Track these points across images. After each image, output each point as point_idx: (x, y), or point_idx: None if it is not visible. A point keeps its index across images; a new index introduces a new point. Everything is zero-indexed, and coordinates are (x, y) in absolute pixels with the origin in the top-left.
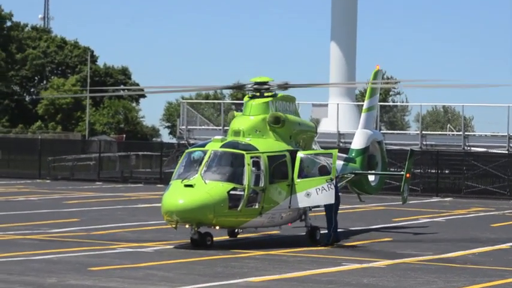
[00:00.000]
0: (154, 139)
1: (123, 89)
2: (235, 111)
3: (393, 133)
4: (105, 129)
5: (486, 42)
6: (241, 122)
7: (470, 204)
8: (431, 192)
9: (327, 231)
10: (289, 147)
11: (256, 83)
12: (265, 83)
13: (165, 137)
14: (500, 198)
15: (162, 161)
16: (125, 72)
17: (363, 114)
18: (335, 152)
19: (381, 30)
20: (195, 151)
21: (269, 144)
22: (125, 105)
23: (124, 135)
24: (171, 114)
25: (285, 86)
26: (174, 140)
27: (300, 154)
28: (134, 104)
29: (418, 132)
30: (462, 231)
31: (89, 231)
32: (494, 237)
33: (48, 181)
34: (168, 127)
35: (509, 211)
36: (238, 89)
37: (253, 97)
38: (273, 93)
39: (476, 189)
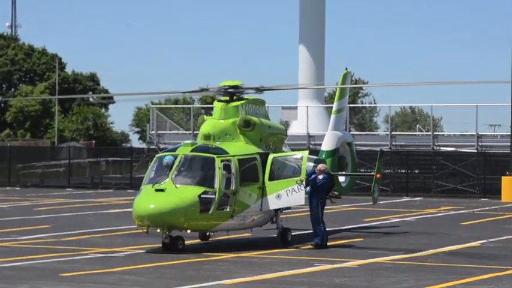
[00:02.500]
0: (124, 144)
1: (92, 96)
2: (205, 115)
3: (363, 134)
4: (75, 136)
5: (452, 42)
6: (211, 126)
7: (440, 203)
8: (402, 192)
9: (318, 235)
10: (260, 150)
11: (226, 87)
12: (235, 87)
13: (135, 142)
14: (470, 196)
15: (132, 167)
16: (93, 78)
17: (333, 116)
18: (305, 153)
19: (349, 33)
20: (165, 156)
21: (239, 148)
22: (93, 111)
23: (93, 142)
24: (141, 120)
25: (260, 90)
26: (143, 145)
27: (271, 156)
28: (103, 110)
29: (388, 132)
30: (433, 230)
31: (59, 238)
32: (464, 235)
33: (17, 188)
34: (137, 132)
35: (479, 209)
36: (207, 94)
37: (222, 101)
38: (243, 96)
39: (446, 188)
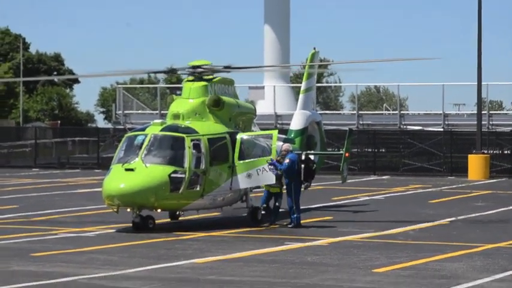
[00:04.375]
0: (89, 125)
1: (57, 76)
2: (174, 95)
3: (329, 113)
4: (40, 116)
5: (418, 20)
6: (181, 105)
7: (408, 182)
8: (369, 171)
9: (294, 214)
10: (229, 130)
11: (195, 66)
12: (203, 66)
13: (100, 122)
14: (437, 175)
15: (99, 146)
16: (57, 58)
17: (301, 96)
18: (275, 132)
19: (314, 12)
20: (135, 135)
21: (209, 127)
22: (58, 91)
23: (59, 122)
24: (106, 100)
25: (227, 69)
26: (109, 125)
27: (240, 136)
28: (68, 90)
29: (354, 112)
30: (401, 208)
31: (28, 218)
32: (433, 213)
33: None
34: (103, 112)
35: (446, 187)
36: (174, 73)
37: (191, 80)
38: (212, 76)
39: (413, 166)
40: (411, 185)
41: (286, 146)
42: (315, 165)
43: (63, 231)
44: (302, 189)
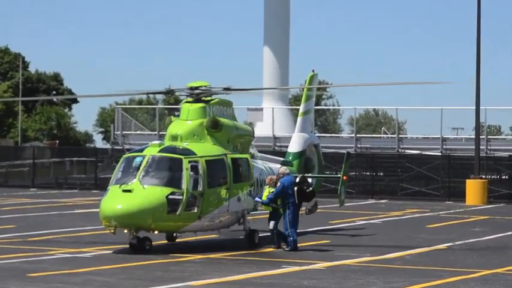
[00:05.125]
0: (87, 145)
1: (56, 97)
2: (172, 116)
3: (327, 136)
4: (38, 136)
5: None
6: (179, 126)
7: (406, 206)
8: (367, 195)
9: (290, 237)
10: (227, 151)
11: (193, 88)
12: (202, 88)
13: (99, 142)
14: (435, 199)
15: (96, 167)
16: (57, 78)
17: (299, 118)
18: (248, 156)
19: (314, 33)
20: (133, 156)
21: (207, 149)
22: (57, 111)
23: (57, 141)
24: (105, 120)
25: (226, 91)
26: (108, 146)
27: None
28: (67, 110)
29: (352, 135)
30: (399, 232)
31: (25, 238)
32: (430, 238)
33: None
34: (101, 132)
35: (444, 212)
36: (172, 94)
37: (190, 102)
38: (210, 97)
39: (410, 191)
40: (409, 209)
41: (283, 169)
42: (310, 187)
43: (60, 252)
44: (302, 212)
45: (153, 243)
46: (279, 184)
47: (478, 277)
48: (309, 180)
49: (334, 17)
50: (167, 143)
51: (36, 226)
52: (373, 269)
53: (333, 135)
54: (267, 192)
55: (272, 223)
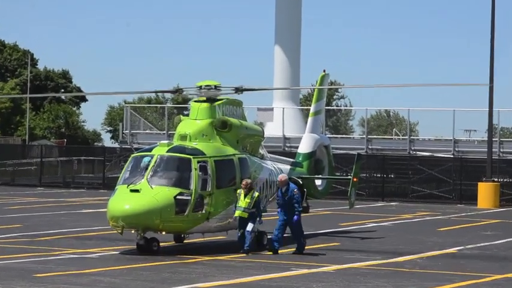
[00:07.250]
0: (95, 144)
1: (64, 94)
2: (181, 115)
3: (338, 137)
4: (46, 134)
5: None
6: (188, 126)
7: (416, 209)
8: (377, 197)
9: (298, 241)
10: (236, 152)
11: (204, 87)
12: (211, 87)
13: (107, 141)
14: (446, 202)
15: (104, 166)
16: (65, 75)
17: (310, 119)
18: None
19: (326, 34)
20: (141, 155)
21: (216, 149)
22: (65, 109)
23: (65, 140)
24: (113, 119)
25: (239, 90)
26: (116, 145)
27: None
28: (75, 108)
29: (364, 136)
30: (409, 235)
31: (32, 237)
32: (441, 241)
33: None
34: (109, 131)
35: (455, 215)
36: (181, 93)
37: (199, 101)
38: (220, 97)
39: (422, 193)
40: (419, 212)
41: (281, 176)
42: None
43: (67, 252)
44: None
45: (161, 244)
46: (296, 191)
47: (489, 281)
48: (319, 181)
49: (346, 17)
50: (176, 142)
51: (43, 226)
52: (383, 272)
53: (344, 136)
54: (242, 197)
55: (250, 225)
